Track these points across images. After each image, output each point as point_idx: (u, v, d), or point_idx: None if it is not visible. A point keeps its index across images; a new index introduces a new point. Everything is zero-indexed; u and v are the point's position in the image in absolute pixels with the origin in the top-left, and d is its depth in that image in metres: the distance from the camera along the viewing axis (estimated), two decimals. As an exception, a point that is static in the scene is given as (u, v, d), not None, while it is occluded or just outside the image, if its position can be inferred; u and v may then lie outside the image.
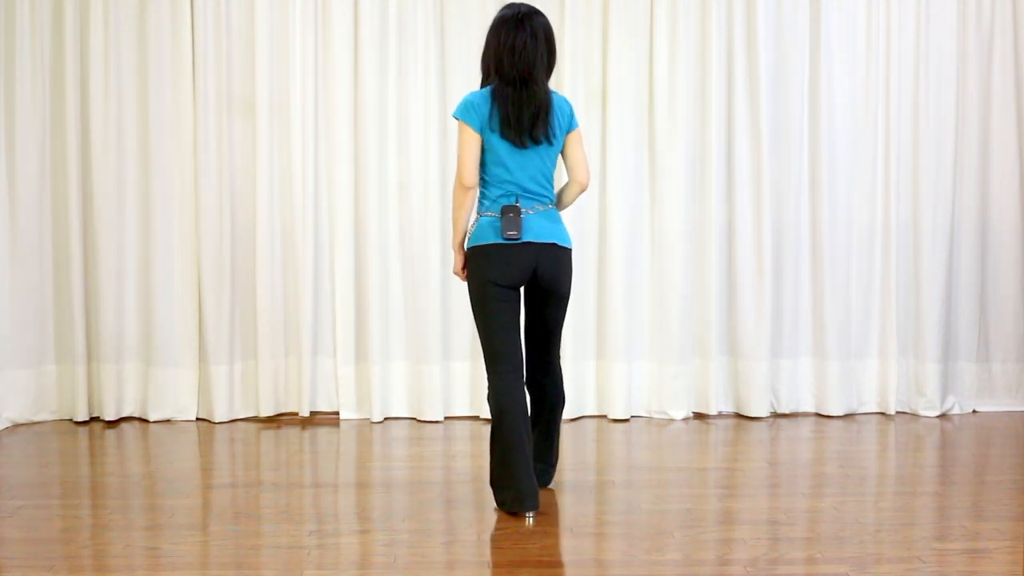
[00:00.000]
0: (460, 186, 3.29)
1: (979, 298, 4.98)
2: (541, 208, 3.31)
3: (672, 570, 2.80)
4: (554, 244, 3.29)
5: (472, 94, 3.32)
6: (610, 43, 4.76)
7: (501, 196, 3.29)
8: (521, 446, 3.24)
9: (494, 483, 3.37)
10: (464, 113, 3.27)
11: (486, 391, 3.40)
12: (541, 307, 3.40)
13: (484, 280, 3.27)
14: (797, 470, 3.94)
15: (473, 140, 3.26)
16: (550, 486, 3.64)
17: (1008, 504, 3.42)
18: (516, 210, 3.24)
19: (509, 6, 3.38)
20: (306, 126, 4.76)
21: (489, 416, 4.75)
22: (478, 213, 3.36)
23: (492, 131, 3.26)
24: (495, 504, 3.40)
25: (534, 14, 3.31)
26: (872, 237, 4.89)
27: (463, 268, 3.41)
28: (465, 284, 4.64)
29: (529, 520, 3.25)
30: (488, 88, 3.31)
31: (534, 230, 3.27)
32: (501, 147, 3.27)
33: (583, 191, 3.47)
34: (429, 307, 4.76)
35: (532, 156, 3.29)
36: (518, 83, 3.24)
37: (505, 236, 3.22)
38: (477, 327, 3.36)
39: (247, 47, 4.76)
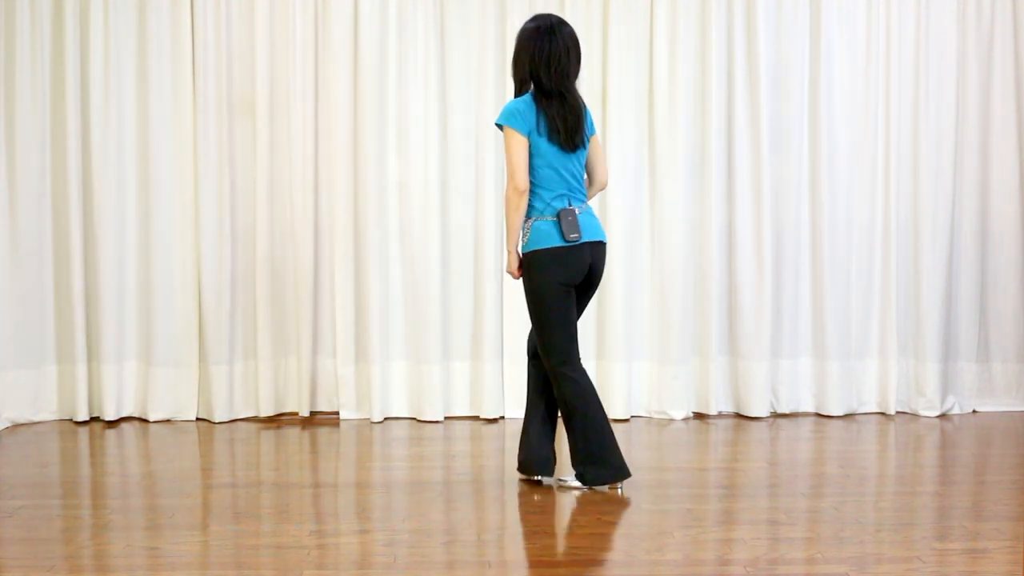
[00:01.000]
0: (515, 191, 3.44)
1: (979, 298, 4.98)
2: (584, 208, 3.53)
3: (672, 570, 2.80)
4: (602, 241, 3.55)
5: (514, 102, 3.48)
6: (610, 43, 4.76)
7: (554, 199, 3.47)
8: (607, 421, 3.54)
9: (588, 460, 3.53)
10: (511, 119, 3.44)
11: (559, 385, 3.54)
12: (582, 297, 3.60)
13: (552, 282, 3.46)
14: (797, 470, 3.94)
15: (522, 145, 3.42)
16: (551, 481, 3.65)
17: (1008, 504, 3.41)
18: (573, 213, 3.45)
19: (536, 17, 3.53)
20: (306, 126, 4.76)
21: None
22: (531, 217, 3.49)
23: (540, 136, 3.44)
24: (579, 483, 3.58)
25: (562, 25, 3.48)
26: (872, 237, 4.89)
27: (518, 268, 3.55)
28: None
29: (620, 490, 3.55)
30: (528, 95, 3.48)
31: (587, 229, 3.48)
32: (550, 151, 3.45)
33: (602, 189, 3.76)
34: (429, 307, 4.76)
35: (573, 159, 3.51)
36: (556, 94, 3.44)
37: (568, 239, 3.42)
38: (541, 324, 3.51)
39: (247, 47, 4.76)
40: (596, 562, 2.89)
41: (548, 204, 3.46)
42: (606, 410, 4.76)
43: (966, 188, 4.93)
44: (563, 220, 3.42)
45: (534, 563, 2.88)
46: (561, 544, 3.06)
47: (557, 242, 3.43)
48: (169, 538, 3.08)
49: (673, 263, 4.80)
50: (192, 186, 4.75)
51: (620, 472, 3.53)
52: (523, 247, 3.51)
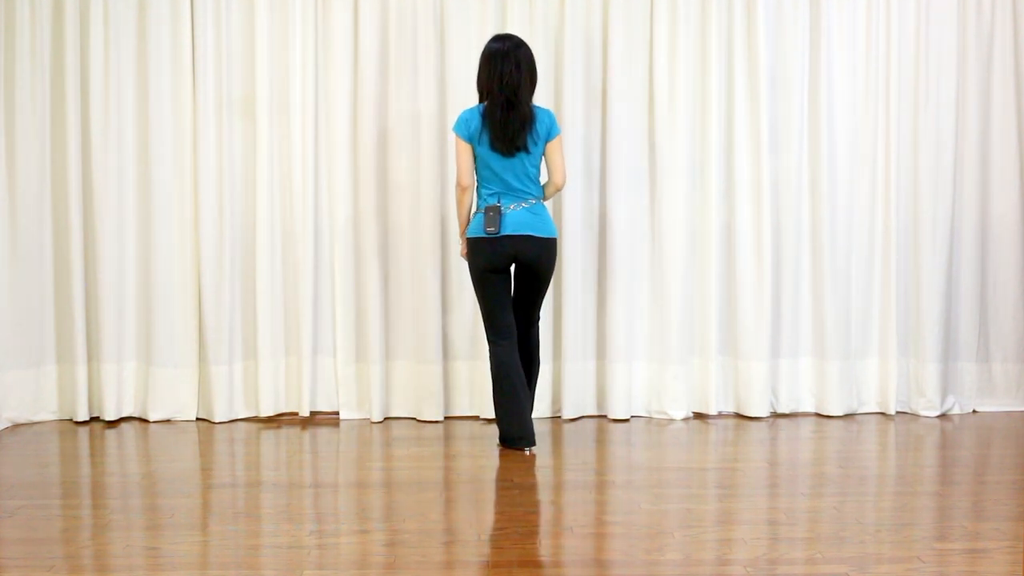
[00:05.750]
0: (458, 187, 4.08)
1: (979, 298, 4.98)
2: (524, 204, 4.02)
3: (672, 570, 2.80)
4: (529, 235, 4.00)
5: (466, 111, 4.08)
6: (610, 43, 4.76)
7: (489, 195, 4.03)
8: (515, 394, 4.07)
9: (500, 421, 4.18)
10: (457, 127, 4.05)
11: (488, 353, 4.22)
12: (525, 281, 4.16)
13: (476, 266, 4.08)
14: (797, 470, 3.94)
15: (464, 149, 4.03)
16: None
17: (1008, 504, 3.42)
18: (497, 209, 3.97)
19: (497, 39, 4.06)
20: (306, 126, 4.76)
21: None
22: (476, 208, 4.11)
23: (481, 143, 3.99)
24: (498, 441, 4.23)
25: (518, 48, 4.01)
26: (872, 237, 4.89)
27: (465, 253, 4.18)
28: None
29: (528, 451, 4.11)
30: (480, 106, 4.05)
31: (512, 224, 3.99)
32: (489, 155, 4.00)
33: (558, 190, 4.17)
34: (429, 307, 4.76)
35: (515, 162, 4.00)
36: (505, 105, 3.96)
37: (486, 231, 3.97)
38: (477, 301, 4.20)
39: (247, 47, 4.77)
40: (596, 562, 2.89)
41: (484, 200, 4.03)
42: (606, 410, 4.86)
43: (966, 188, 4.93)
44: (485, 215, 3.97)
45: (534, 563, 2.88)
46: (561, 544, 3.06)
47: (480, 233, 4.00)
48: (169, 538, 3.09)
49: (673, 263, 4.80)
50: (192, 186, 4.75)
51: (523, 440, 4.10)
52: (467, 234, 4.12)
